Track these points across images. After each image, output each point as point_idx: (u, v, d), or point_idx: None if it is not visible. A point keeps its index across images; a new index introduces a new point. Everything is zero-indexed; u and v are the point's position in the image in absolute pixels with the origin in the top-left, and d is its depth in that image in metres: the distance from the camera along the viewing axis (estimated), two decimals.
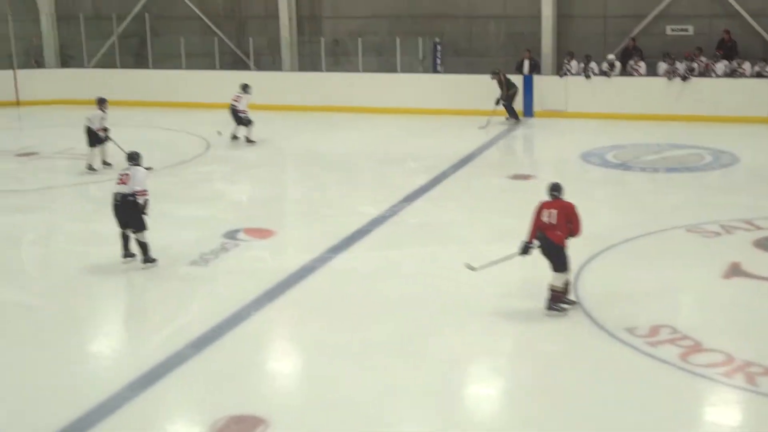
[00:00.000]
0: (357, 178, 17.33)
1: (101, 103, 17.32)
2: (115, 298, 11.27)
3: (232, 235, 12.90)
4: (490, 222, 13.53)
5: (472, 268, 10.29)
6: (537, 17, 23.63)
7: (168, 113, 23.66)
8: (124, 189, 11.48)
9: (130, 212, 11.50)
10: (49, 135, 21.60)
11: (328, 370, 8.75)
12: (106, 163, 17.15)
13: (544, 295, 9.80)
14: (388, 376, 8.60)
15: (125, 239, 11.73)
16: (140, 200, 11.46)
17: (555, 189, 9.91)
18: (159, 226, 12.59)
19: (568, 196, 9.93)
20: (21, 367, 8.99)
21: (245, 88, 19.75)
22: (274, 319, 10.21)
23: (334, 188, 16.33)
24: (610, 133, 20.50)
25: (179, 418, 8.16)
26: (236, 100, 19.49)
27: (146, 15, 26.43)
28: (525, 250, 9.88)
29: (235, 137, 19.63)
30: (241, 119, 19.49)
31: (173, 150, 19.42)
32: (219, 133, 19.77)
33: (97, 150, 17.16)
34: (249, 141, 19.40)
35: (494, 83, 21.79)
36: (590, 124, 21.76)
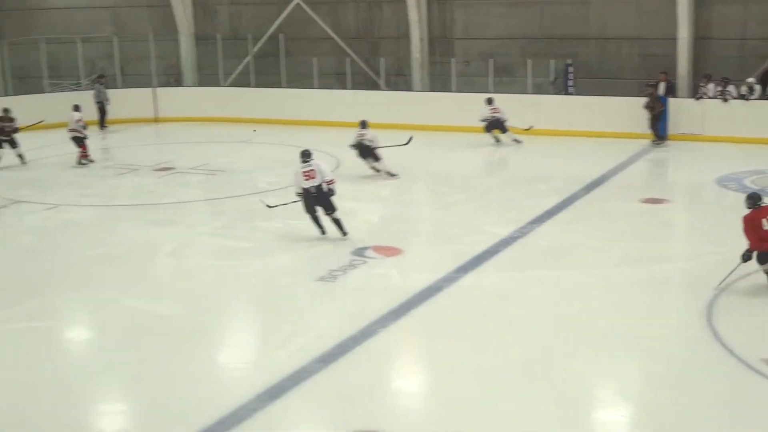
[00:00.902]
0: (485, 198, 17.22)
1: None
2: (244, 311, 11.48)
3: (360, 252, 13.00)
4: (619, 246, 13.23)
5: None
6: (672, 39, 23.12)
7: (299, 131, 24.04)
8: (315, 182, 13.41)
9: (324, 199, 13.48)
10: (184, 151, 22.24)
11: (454, 391, 8.70)
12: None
13: (685, 317, 9.47)
14: (514, 399, 8.50)
15: (317, 221, 13.63)
16: (333, 187, 13.52)
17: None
18: (289, 243, 12.81)
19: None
20: (154, 375, 9.24)
21: (364, 124, 19.00)
22: (400, 338, 10.21)
23: (462, 208, 16.28)
24: (748, 158, 19.83)
25: (305, 431, 8.23)
26: (362, 136, 18.77)
27: (280, 36, 27.01)
28: (747, 258, 10.62)
29: (381, 171, 18.63)
30: (371, 152, 18.50)
31: None
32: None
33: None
34: (391, 174, 18.87)
35: (640, 99, 21.53)
36: (727, 148, 21.10)
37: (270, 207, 14.59)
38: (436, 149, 21.74)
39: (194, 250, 14.03)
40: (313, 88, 26.22)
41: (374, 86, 26.40)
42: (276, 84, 27.02)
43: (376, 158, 18.25)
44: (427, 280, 11.70)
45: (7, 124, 20.31)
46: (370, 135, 18.28)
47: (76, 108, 20.81)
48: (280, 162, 19.61)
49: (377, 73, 26.33)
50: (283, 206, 14.38)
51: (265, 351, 10.02)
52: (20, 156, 20.51)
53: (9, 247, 14.28)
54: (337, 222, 13.66)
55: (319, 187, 13.44)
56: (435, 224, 15.45)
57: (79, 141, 20.36)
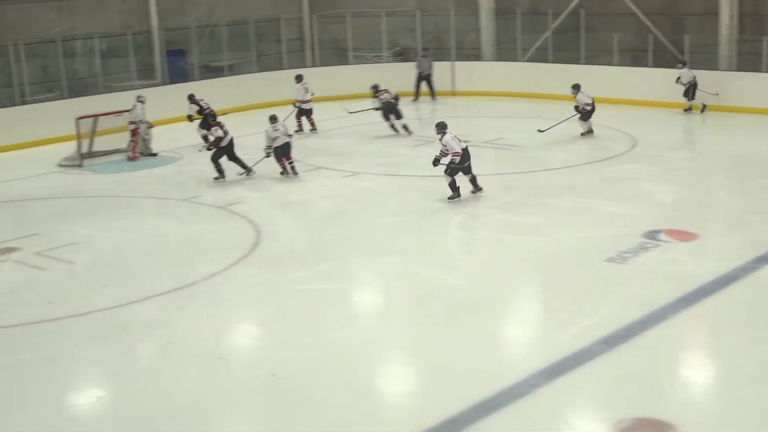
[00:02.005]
0: None
1: None
2: (529, 287, 11.51)
3: (652, 235, 12.65)
4: None
5: None
6: None
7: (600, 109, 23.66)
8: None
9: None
10: (479, 125, 22.48)
11: (744, 388, 8.33)
12: None
13: None
14: None
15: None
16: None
17: None
18: (578, 221, 12.66)
19: None
20: (437, 343, 9.50)
21: None
22: (689, 326, 9.89)
23: (763, 194, 15.38)
24: None
25: (584, 412, 8.17)
26: None
27: (581, 11, 26.57)
28: None
29: None
30: None
31: (598, 146, 19.38)
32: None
33: None
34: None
35: None
36: None
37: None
38: (736, 132, 20.64)
39: (483, 223, 14.23)
40: (611, 65, 25.63)
41: (675, 64, 25.43)
42: (574, 60, 26.64)
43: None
44: (722, 269, 11.22)
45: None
46: None
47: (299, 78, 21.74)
48: (571, 139, 19.45)
49: (681, 51, 25.32)
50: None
51: (548, 329, 10.02)
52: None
53: (309, 212, 15.10)
54: (474, 182, 15.16)
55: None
56: (733, 210, 14.71)
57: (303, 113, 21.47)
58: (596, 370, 8.70)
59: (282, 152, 16.93)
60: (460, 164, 14.90)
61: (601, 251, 12.03)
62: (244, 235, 13.54)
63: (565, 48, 27.04)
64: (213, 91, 23.12)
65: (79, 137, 19.01)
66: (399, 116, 20.99)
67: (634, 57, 25.87)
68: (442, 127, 15.25)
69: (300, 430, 7.80)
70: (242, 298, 11.30)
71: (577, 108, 19.80)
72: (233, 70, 27.33)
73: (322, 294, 11.19)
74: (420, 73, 26.30)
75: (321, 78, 24.85)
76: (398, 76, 25.72)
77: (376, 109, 21.01)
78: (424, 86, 26.36)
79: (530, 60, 27.58)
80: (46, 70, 24.25)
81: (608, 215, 13.74)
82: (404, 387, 8.81)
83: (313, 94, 21.82)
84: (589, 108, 19.82)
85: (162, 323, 10.35)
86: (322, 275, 11.86)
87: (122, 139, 19.26)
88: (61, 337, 10.01)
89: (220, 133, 16.76)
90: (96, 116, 19.66)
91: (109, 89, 24.18)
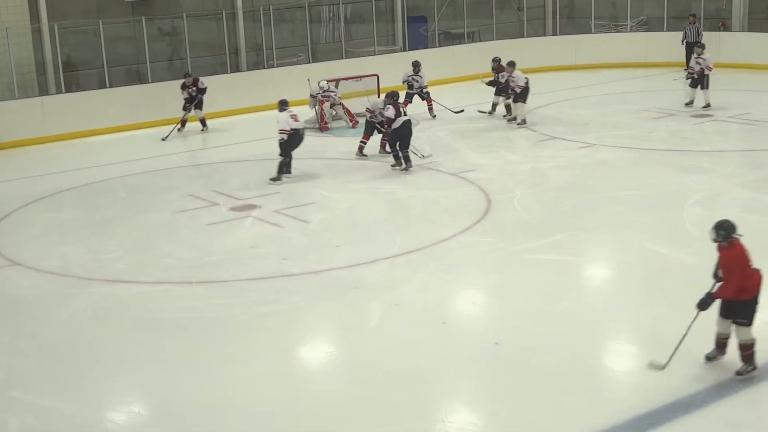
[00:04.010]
0: None
1: None
2: None
3: None
4: None
5: None
6: None
7: None
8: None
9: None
10: (723, 98, 21.41)
11: None
12: None
13: None
14: None
15: None
16: None
17: None
18: None
19: None
20: (671, 323, 9.14)
21: None
22: None
23: None
24: None
25: None
26: None
27: None
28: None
29: None
30: None
31: None
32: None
33: None
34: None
35: None
36: None
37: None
38: None
39: (725, 201, 13.58)
40: None
41: None
42: None
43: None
44: None
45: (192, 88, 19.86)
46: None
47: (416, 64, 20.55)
48: None
49: None
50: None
51: None
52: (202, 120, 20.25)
53: (542, 182, 14.96)
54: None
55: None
56: None
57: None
58: None
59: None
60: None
61: None
62: (475, 203, 13.57)
63: None
64: (451, 58, 23.27)
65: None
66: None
67: None
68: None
69: (522, 397, 7.76)
70: (471, 264, 11.34)
71: None
72: (472, 37, 27.37)
73: (552, 265, 11.05)
74: (686, 42, 25.06)
75: (561, 46, 24.48)
76: (641, 47, 24.95)
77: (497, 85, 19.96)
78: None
79: None
80: (293, 34, 25.18)
81: None
82: (630, 364, 8.56)
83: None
84: None
85: (390, 285, 10.54)
86: (553, 246, 11.71)
87: (360, 105, 19.68)
88: (295, 293, 10.40)
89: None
90: (337, 80, 20.22)
91: (350, 55, 24.82)
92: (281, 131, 15.23)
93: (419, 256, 11.46)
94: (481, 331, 9.37)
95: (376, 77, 20.68)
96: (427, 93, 20.07)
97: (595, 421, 7.27)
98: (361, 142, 16.69)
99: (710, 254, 10.97)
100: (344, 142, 17.26)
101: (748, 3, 27.05)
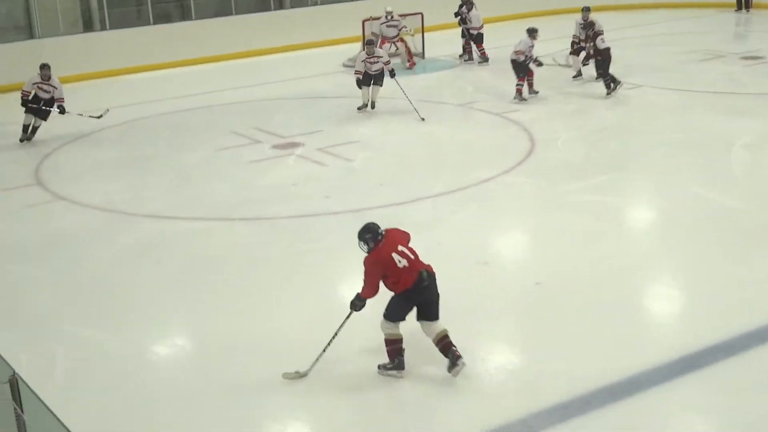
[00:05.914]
0: None
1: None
2: None
3: None
4: None
5: None
6: None
7: None
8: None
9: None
10: None
11: None
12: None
13: None
14: None
15: None
16: None
17: None
18: None
19: None
20: (712, 268, 9.10)
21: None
22: None
23: None
24: None
25: None
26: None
27: None
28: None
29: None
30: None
31: None
32: None
33: None
34: None
35: None
36: None
37: None
38: None
39: None
40: None
41: None
42: None
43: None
44: None
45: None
46: None
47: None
48: None
49: None
50: None
51: None
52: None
53: (587, 123, 14.82)
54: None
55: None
56: None
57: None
58: None
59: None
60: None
61: None
62: (519, 143, 13.48)
63: None
64: None
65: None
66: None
67: None
68: None
69: (562, 338, 7.75)
70: (513, 205, 11.31)
71: None
72: None
73: (595, 206, 10.98)
74: None
75: None
76: None
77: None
78: None
79: None
80: None
81: None
82: (670, 308, 8.52)
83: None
84: None
85: (432, 224, 10.53)
86: (597, 188, 11.64)
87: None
88: (337, 231, 10.41)
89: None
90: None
91: None
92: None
93: (461, 196, 11.44)
94: (522, 272, 9.35)
95: (420, 15, 20.41)
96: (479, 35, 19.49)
97: (634, 363, 7.25)
98: (518, 85, 16.09)
99: (754, 199, 10.91)
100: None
101: None
